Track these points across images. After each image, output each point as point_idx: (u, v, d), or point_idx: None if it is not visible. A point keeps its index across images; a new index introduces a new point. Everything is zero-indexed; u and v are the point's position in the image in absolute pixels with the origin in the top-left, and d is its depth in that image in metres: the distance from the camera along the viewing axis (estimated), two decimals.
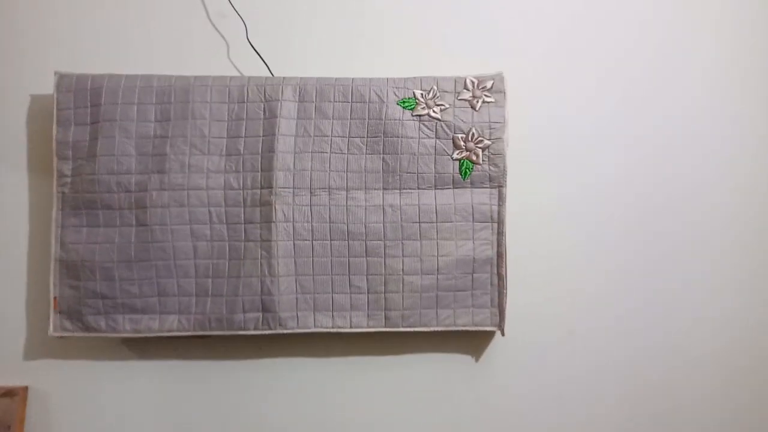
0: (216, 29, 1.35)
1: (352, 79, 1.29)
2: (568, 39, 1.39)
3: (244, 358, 1.31)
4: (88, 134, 1.25)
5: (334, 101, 1.27)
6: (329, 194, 1.27)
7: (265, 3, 1.35)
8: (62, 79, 1.25)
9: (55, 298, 1.22)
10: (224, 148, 1.26)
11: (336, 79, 1.29)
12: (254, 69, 1.33)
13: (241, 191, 1.25)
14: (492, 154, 1.28)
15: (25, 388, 1.27)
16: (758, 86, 1.41)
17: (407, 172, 1.28)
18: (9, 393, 1.25)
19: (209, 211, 1.24)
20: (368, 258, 1.26)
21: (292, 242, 1.25)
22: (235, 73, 1.34)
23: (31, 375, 1.28)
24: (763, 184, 1.41)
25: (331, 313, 1.26)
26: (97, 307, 1.22)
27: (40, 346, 1.28)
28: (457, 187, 1.29)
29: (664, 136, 1.39)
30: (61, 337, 1.23)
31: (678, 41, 1.41)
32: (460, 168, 1.29)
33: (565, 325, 1.36)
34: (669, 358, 1.38)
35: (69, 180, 1.24)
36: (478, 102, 1.29)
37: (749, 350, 1.39)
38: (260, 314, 1.23)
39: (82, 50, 1.33)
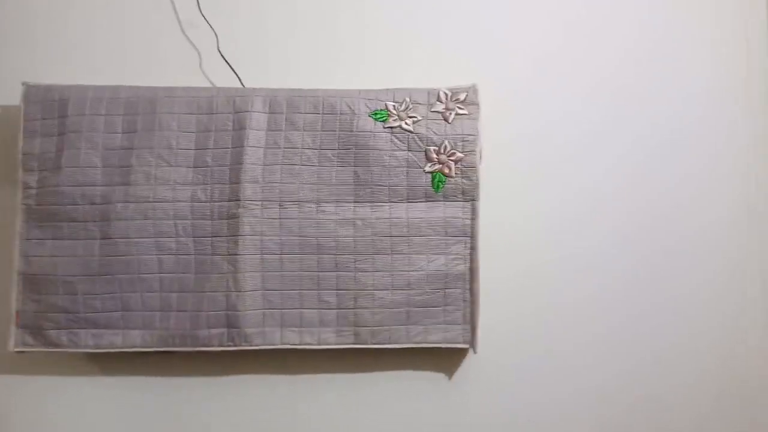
0: (188, 39, 1.33)
1: (323, 90, 1.27)
2: (543, 51, 1.37)
3: (209, 374, 1.28)
4: (55, 146, 1.23)
5: (305, 113, 1.25)
6: (299, 207, 1.24)
7: (236, 14, 1.34)
8: (30, 90, 1.23)
9: (16, 312, 1.20)
10: (192, 160, 1.24)
11: (307, 90, 1.27)
12: (226, 80, 1.31)
13: (209, 204, 1.23)
14: (465, 167, 1.26)
15: None
16: (748, 94, 1.39)
17: (379, 185, 1.25)
18: None
19: (175, 224, 1.22)
20: (338, 272, 1.23)
21: (259, 256, 1.22)
22: (207, 84, 1.32)
23: None
24: (755, 191, 1.37)
25: (298, 329, 1.23)
26: (59, 321, 1.20)
27: (1, 362, 1.25)
28: (429, 201, 1.26)
29: (645, 150, 1.36)
30: (23, 352, 1.20)
31: (658, 50, 1.38)
32: (432, 181, 1.26)
33: (540, 342, 1.32)
34: (650, 378, 1.34)
35: (34, 192, 1.22)
36: (451, 114, 1.27)
37: (740, 371, 1.35)
38: (225, 330, 1.20)
39: (52, 60, 1.31)
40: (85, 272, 1.20)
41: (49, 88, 1.24)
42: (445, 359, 1.30)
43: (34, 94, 1.23)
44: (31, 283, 1.20)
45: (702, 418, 1.34)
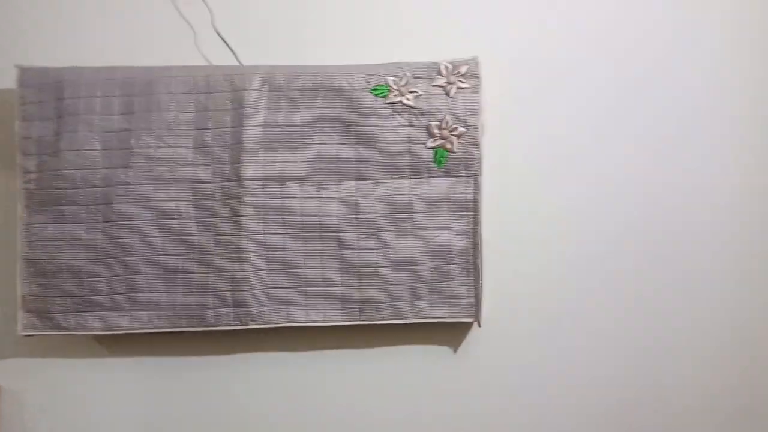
0: (181, 15, 1.31)
1: (323, 66, 1.25)
2: (546, 21, 1.34)
3: (218, 353, 1.29)
4: (53, 129, 1.21)
5: (304, 90, 1.24)
6: (300, 186, 1.24)
7: None
8: (24, 73, 1.21)
9: (23, 296, 1.20)
10: (191, 141, 1.22)
11: (306, 66, 1.25)
12: (222, 57, 1.29)
13: (210, 184, 1.22)
14: (467, 141, 1.25)
15: None
16: (756, 85, 1.36)
17: (380, 162, 1.24)
18: None
19: (177, 206, 1.21)
20: (342, 250, 1.24)
21: (263, 236, 1.22)
22: (202, 62, 1.30)
23: (4, 374, 1.26)
24: (760, 186, 1.36)
25: (304, 306, 1.24)
26: (65, 305, 1.20)
27: (11, 346, 1.26)
28: (431, 176, 1.25)
29: (652, 129, 1.34)
30: (31, 336, 1.21)
31: (663, 28, 1.35)
32: (434, 156, 1.25)
33: (544, 315, 1.33)
34: (654, 348, 1.35)
35: (34, 176, 1.21)
36: (452, 88, 1.25)
37: (747, 351, 1.36)
38: (231, 310, 1.21)
39: (45, 42, 1.29)
40: (89, 255, 1.20)
41: (43, 71, 1.21)
42: (449, 333, 1.31)
43: (29, 78, 1.21)
44: (36, 267, 1.20)
45: (706, 390, 1.36)
